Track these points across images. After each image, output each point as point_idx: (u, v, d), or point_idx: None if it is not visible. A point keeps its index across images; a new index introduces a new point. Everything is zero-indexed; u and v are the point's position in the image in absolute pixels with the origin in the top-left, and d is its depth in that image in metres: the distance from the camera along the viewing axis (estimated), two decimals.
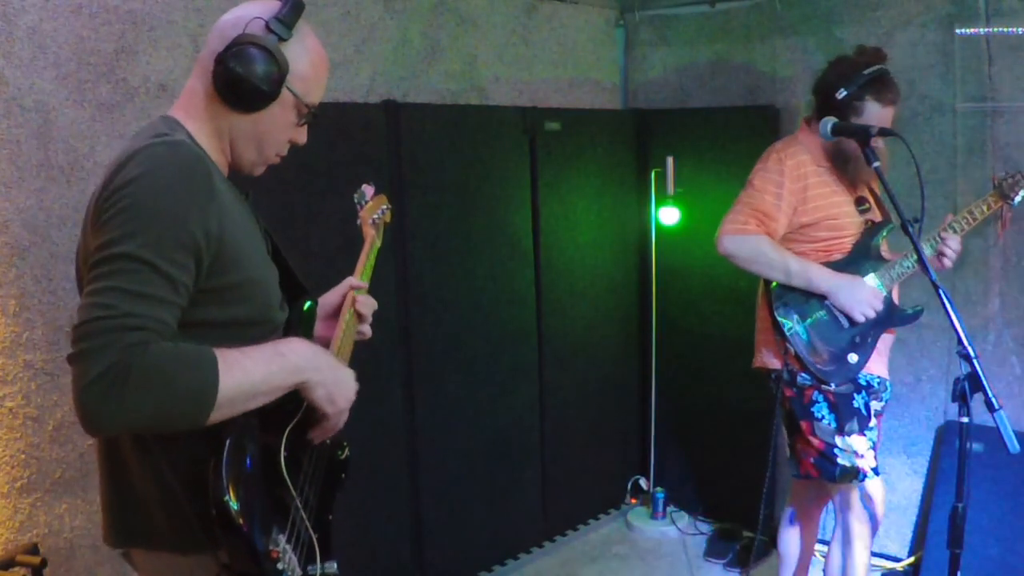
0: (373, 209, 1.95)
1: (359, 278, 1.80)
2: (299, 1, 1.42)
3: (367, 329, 1.76)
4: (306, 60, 1.45)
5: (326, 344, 1.66)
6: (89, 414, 1.16)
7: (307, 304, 1.61)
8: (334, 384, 1.44)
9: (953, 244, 2.54)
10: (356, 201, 1.94)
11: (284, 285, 1.58)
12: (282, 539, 1.37)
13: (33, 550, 2.28)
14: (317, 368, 1.40)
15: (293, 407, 1.43)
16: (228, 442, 1.29)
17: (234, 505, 1.26)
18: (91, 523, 2.46)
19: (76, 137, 2.37)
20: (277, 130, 1.47)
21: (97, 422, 1.17)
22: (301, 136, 1.53)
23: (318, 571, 1.50)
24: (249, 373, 1.28)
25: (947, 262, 2.56)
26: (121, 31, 2.43)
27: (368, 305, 1.75)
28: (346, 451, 1.72)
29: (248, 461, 1.32)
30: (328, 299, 1.77)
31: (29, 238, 2.30)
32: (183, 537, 1.34)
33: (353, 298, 1.71)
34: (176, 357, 1.20)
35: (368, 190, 1.95)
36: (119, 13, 2.43)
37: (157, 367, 1.17)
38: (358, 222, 1.93)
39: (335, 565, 1.56)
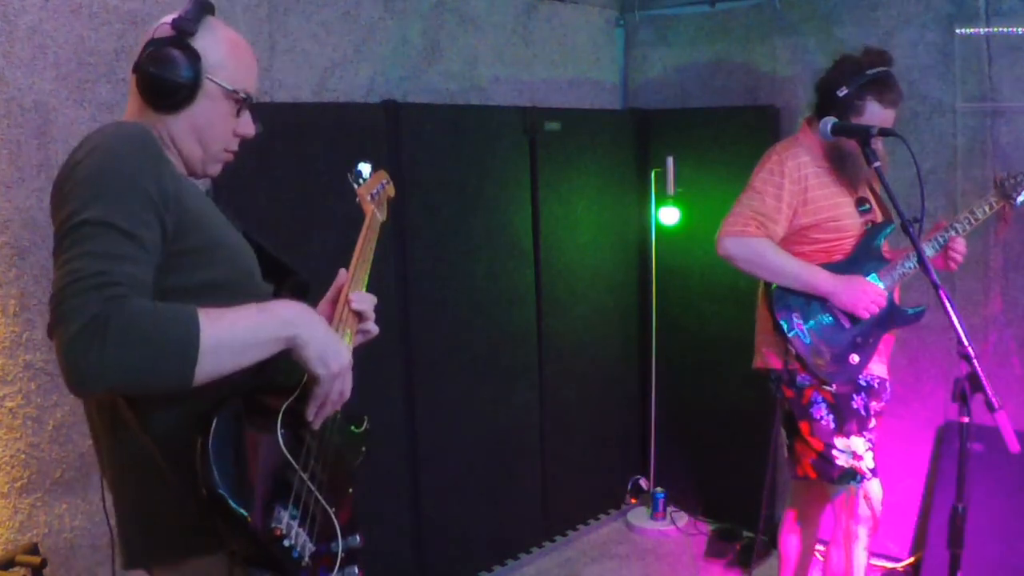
0: (372, 185, 1.93)
1: (357, 260, 1.73)
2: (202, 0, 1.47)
3: (372, 327, 1.69)
4: (220, 49, 1.47)
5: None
6: (73, 371, 1.15)
7: (298, 285, 1.61)
8: (325, 344, 1.39)
9: (959, 247, 2.55)
10: (352, 180, 1.91)
11: (273, 275, 1.57)
12: (285, 515, 1.32)
13: (33, 550, 2.28)
14: (307, 324, 1.37)
15: (292, 384, 1.43)
16: (215, 422, 1.26)
17: (222, 485, 1.23)
18: (91, 523, 2.46)
19: (76, 137, 2.34)
20: (215, 123, 1.49)
21: (82, 378, 1.16)
22: (246, 127, 1.54)
23: (340, 547, 1.46)
24: (234, 324, 1.27)
25: (953, 265, 2.58)
26: (121, 31, 2.43)
27: (365, 301, 1.66)
28: (364, 425, 1.69)
29: (238, 439, 1.29)
30: (319, 311, 1.69)
31: (29, 238, 2.30)
32: (198, 539, 1.33)
33: (347, 298, 1.64)
34: (155, 310, 1.20)
35: (364, 167, 1.94)
36: (119, 13, 2.43)
37: (136, 319, 1.17)
38: (356, 200, 1.89)
39: (357, 539, 1.51)
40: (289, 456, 1.38)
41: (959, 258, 2.57)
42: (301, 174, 2.78)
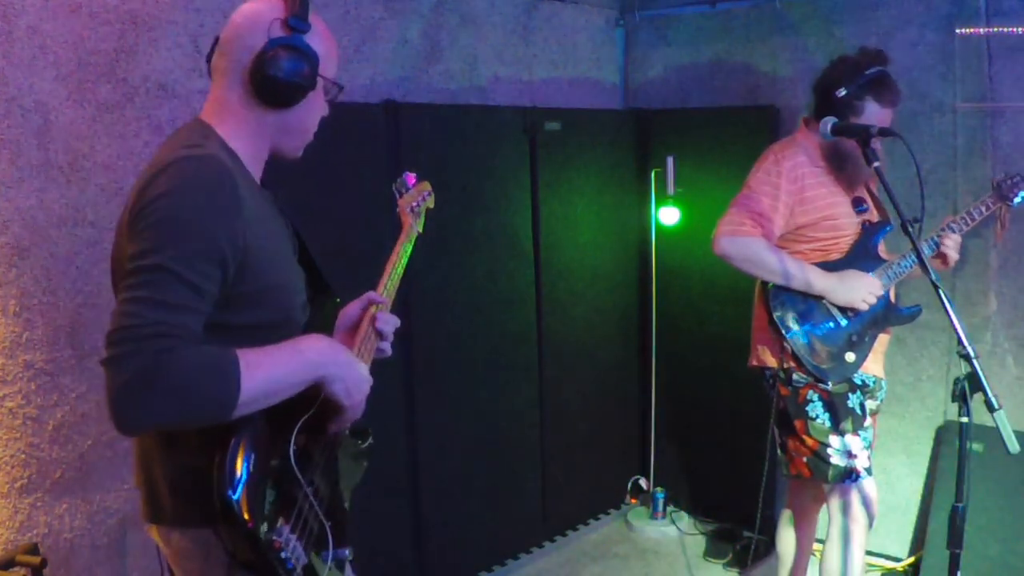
0: (414, 197, 1.97)
1: (388, 272, 1.82)
2: None
3: (387, 347, 1.80)
4: (324, 44, 1.53)
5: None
6: (121, 416, 1.24)
7: (332, 302, 1.69)
8: (351, 379, 1.49)
9: (950, 241, 2.55)
10: (395, 189, 1.96)
11: (311, 283, 1.64)
12: (286, 530, 1.41)
13: (33, 550, 2.28)
14: (336, 363, 1.46)
15: (306, 403, 1.47)
16: (233, 440, 1.34)
17: (236, 500, 1.32)
18: (91, 523, 2.46)
19: (76, 137, 2.36)
20: (316, 113, 1.58)
21: (128, 424, 1.25)
22: (327, 110, 1.63)
23: (330, 557, 1.55)
24: (270, 372, 1.35)
25: (950, 263, 2.57)
26: (121, 31, 2.43)
27: (389, 323, 1.77)
28: (368, 440, 1.78)
29: (254, 456, 1.37)
30: (348, 311, 1.78)
31: (29, 238, 2.30)
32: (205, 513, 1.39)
33: (373, 316, 1.73)
34: (199, 362, 1.27)
35: (409, 178, 1.97)
36: (119, 13, 2.42)
37: (182, 371, 1.24)
38: (397, 210, 1.95)
39: (347, 552, 1.60)
40: (298, 473, 1.46)
41: (952, 253, 2.56)
42: (300, 174, 2.77)
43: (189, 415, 1.27)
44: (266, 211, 1.52)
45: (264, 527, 1.37)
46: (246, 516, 1.33)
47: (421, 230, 1.98)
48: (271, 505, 1.40)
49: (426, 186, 2.04)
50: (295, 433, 1.46)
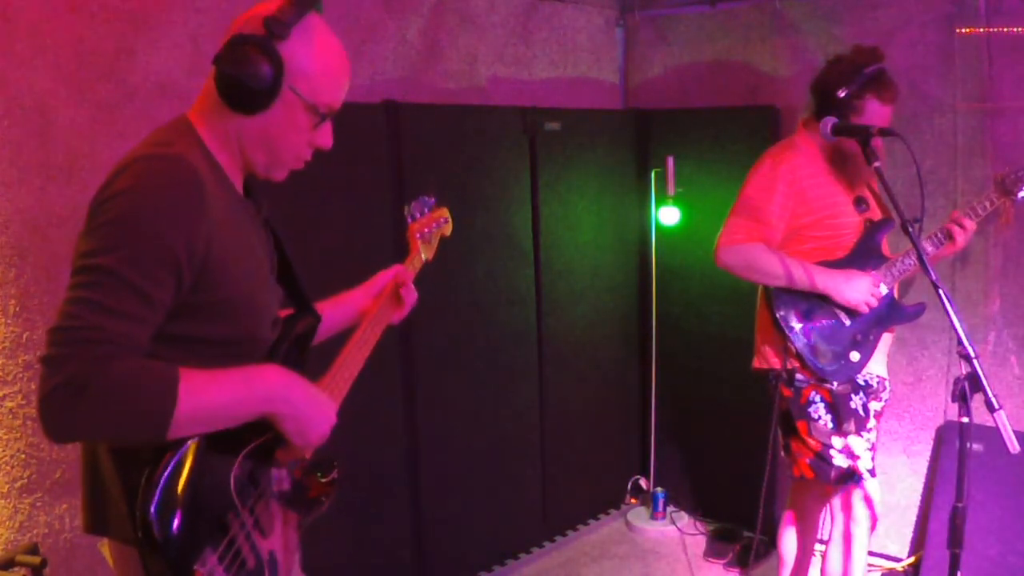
0: (427, 222, 1.88)
1: (383, 299, 1.82)
2: None
3: (411, 294, 1.81)
4: (310, 58, 1.39)
5: (361, 316, 1.74)
6: (47, 421, 1.18)
7: (309, 322, 1.59)
8: (306, 419, 1.40)
9: (968, 225, 2.53)
10: (407, 214, 1.87)
11: (292, 302, 1.57)
12: (213, 558, 1.32)
13: (33, 550, 2.28)
14: (287, 400, 1.37)
15: (259, 428, 1.39)
16: (167, 456, 1.27)
17: (157, 520, 1.25)
18: None
19: (76, 137, 2.36)
20: (287, 132, 1.42)
21: (54, 430, 1.19)
22: (323, 139, 1.48)
23: None
24: (212, 398, 1.27)
25: (960, 242, 2.54)
26: (121, 31, 2.43)
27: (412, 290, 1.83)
28: (332, 474, 1.59)
29: (188, 477, 1.30)
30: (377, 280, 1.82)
31: (29, 238, 2.30)
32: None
33: (401, 279, 1.75)
34: (136, 376, 1.20)
35: (423, 202, 1.89)
36: (119, 13, 2.42)
37: (115, 384, 1.17)
38: (407, 234, 1.88)
39: None
40: (236, 501, 1.37)
41: (967, 233, 2.53)
42: (299, 174, 2.76)
43: (118, 430, 1.21)
44: (240, 221, 1.42)
45: (188, 554, 1.28)
46: (166, 539, 1.25)
47: (430, 258, 1.90)
48: (199, 531, 1.30)
49: (443, 212, 1.94)
50: (240, 458, 1.37)
